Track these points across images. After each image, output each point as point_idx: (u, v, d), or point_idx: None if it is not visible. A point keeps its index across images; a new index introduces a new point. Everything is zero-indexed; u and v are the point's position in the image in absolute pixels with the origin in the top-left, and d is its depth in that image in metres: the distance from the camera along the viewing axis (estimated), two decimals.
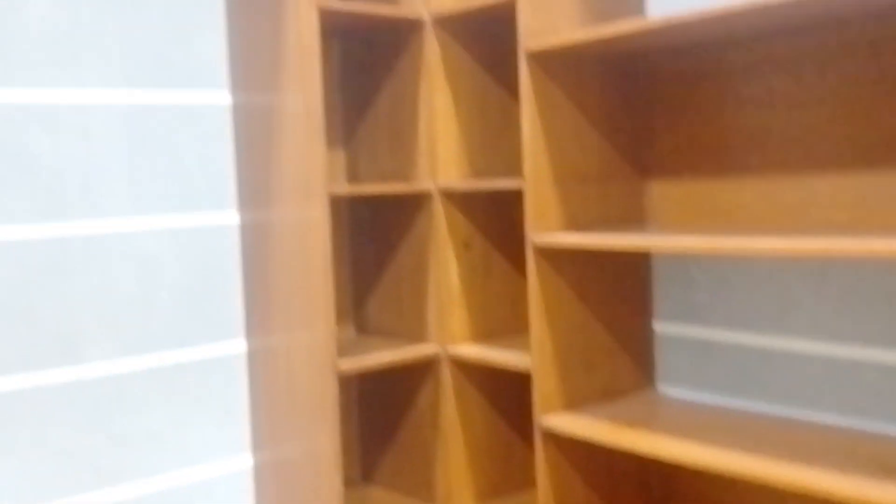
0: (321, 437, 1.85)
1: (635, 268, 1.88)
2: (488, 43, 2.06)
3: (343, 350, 2.00)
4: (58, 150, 1.79)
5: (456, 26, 2.01)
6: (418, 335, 2.07)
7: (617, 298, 1.85)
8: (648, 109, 1.87)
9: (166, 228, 1.94)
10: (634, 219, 1.88)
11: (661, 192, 1.86)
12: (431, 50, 1.97)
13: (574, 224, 1.78)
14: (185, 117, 1.95)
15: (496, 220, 2.09)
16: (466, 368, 2.04)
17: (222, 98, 2.01)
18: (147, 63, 1.89)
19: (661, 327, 1.89)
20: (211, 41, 1.98)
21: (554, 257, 1.75)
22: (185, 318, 1.97)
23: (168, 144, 1.94)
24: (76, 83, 1.80)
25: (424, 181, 2.00)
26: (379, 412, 2.20)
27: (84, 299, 1.83)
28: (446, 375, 2.01)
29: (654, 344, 1.91)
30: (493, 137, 2.08)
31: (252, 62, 1.94)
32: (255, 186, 1.99)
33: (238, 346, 2.05)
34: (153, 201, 1.92)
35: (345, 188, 1.88)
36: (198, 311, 1.98)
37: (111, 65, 1.84)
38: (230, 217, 2.03)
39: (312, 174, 1.82)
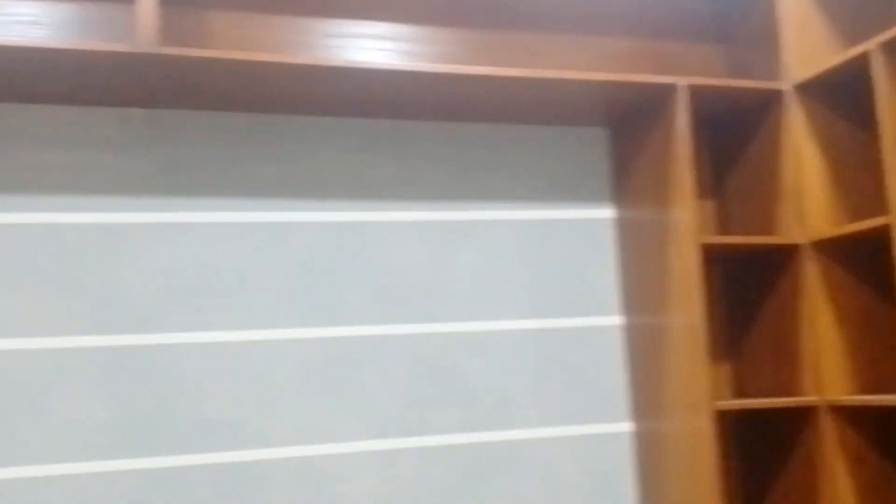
0: None
1: None
2: (867, 261, 2.11)
3: None
4: (480, 369, 2.16)
5: (833, 248, 2.10)
6: None
7: None
8: None
9: (566, 437, 2.19)
10: None
11: None
12: (810, 271, 2.07)
13: None
14: (582, 338, 2.24)
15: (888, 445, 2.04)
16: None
17: (614, 320, 2.27)
18: (550, 294, 2.24)
19: None
20: (604, 273, 2.29)
21: None
22: None
23: (567, 363, 2.23)
24: (494, 315, 2.19)
25: (810, 394, 2.05)
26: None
27: (498, 499, 2.11)
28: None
29: None
30: (881, 350, 2.08)
31: (640, 289, 2.20)
32: (644, 399, 2.18)
33: None
34: (555, 413, 2.19)
35: (730, 403, 2.00)
36: None
37: (521, 297, 2.21)
38: (623, 426, 2.23)
39: (698, 388, 1.97)
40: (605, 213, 2.31)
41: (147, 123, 1.99)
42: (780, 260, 2.16)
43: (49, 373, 1.85)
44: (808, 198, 2.10)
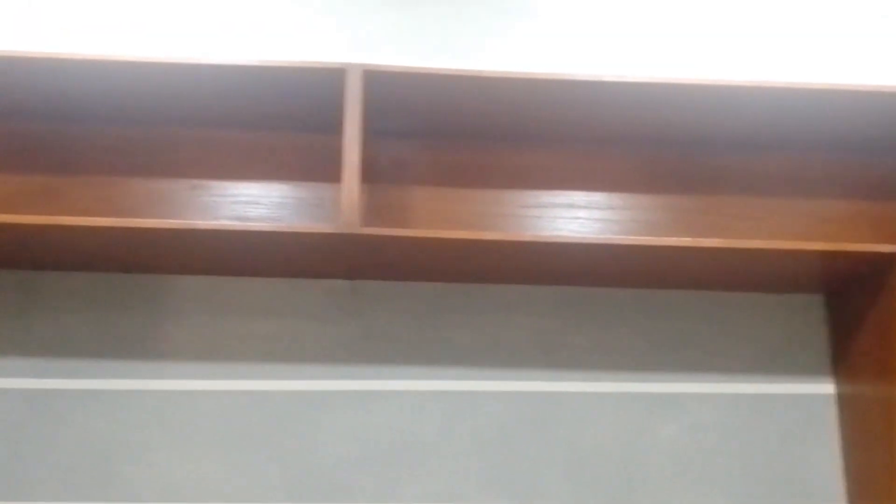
0: None
1: None
2: None
3: None
4: None
5: None
6: None
7: None
8: None
9: None
10: None
11: None
12: None
13: None
14: None
15: None
16: None
17: None
18: (762, 478, 2.04)
19: None
20: (825, 456, 2.06)
21: None
22: None
23: None
24: (699, 499, 2.01)
25: None
26: None
27: None
28: None
29: None
30: None
31: (868, 476, 1.96)
32: None
33: None
34: None
35: None
36: None
37: (730, 480, 2.03)
38: None
39: None
40: (825, 388, 2.10)
41: (349, 294, 2.07)
42: None
43: None
44: None
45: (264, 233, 1.77)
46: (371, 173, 2.11)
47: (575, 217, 2.15)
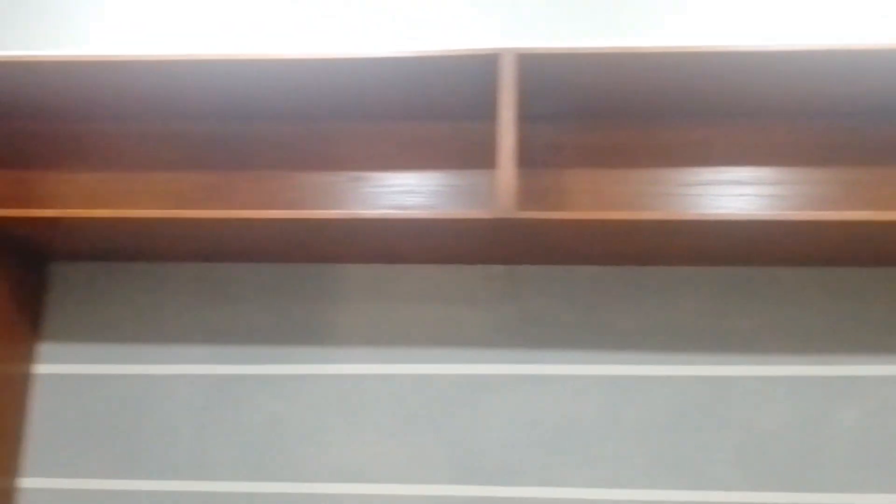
0: None
1: None
2: None
3: None
4: None
5: None
6: None
7: None
8: None
9: None
10: None
11: None
12: None
13: None
14: None
15: None
16: None
17: None
18: None
19: None
20: None
21: None
22: None
23: None
24: (881, 487, 1.89)
25: None
26: None
27: None
28: None
29: None
30: None
31: None
32: None
33: None
34: None
35: None
36: None
37: None
38: None
39: None
40: None
41: (506, 279, 2.08)
42: None
43: None
44: None
45: (424, 220, 1.80)
46: (526, 158, 2.10)
47: (741, 194, 2.07)
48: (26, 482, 2.03)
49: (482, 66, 1.88)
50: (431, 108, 2.10)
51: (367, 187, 2.14)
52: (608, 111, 2.10)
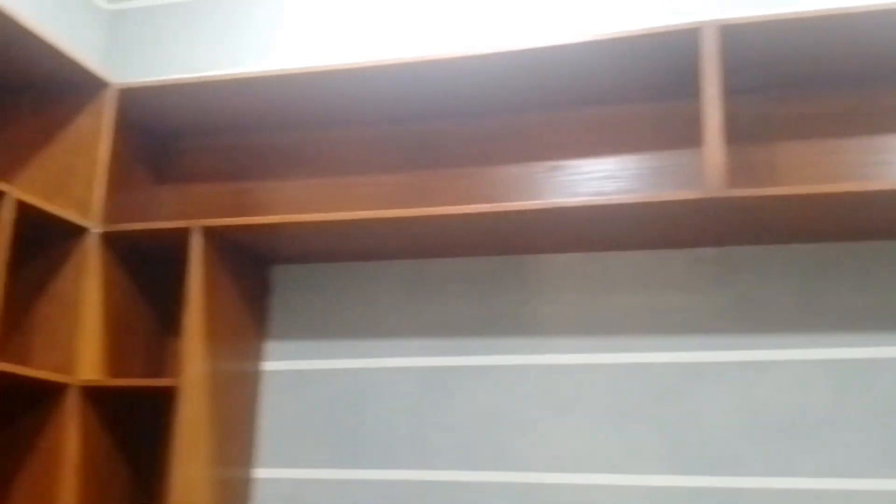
0: None
1: None
2: None
3: None
4: None
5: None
6: None
7: None
8: None
9: None
10: None
11: None
12: None
13: None
14: None
15: None
16: None
17: None
18: None
19: None
20: None
21: None
22: None
23: None
24: None
25: None
26: None
27: None
28: None
29: None
30: None
31: None
32: None
33: None
34: None
35: None
36: None
37: None
38: None
39: None
40: None
41: (718, 262, 2.00)
42: None
43: None
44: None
45: (626, 205, 1.77)
46: (731, 133, 2.02)
47: None
48: (261, 472, 2.17)
49: (683, 42, 1.82)
50: (628, 89, 2.05)
51: (564, 176, 2.13)
52: (818, 79, 1.97)
